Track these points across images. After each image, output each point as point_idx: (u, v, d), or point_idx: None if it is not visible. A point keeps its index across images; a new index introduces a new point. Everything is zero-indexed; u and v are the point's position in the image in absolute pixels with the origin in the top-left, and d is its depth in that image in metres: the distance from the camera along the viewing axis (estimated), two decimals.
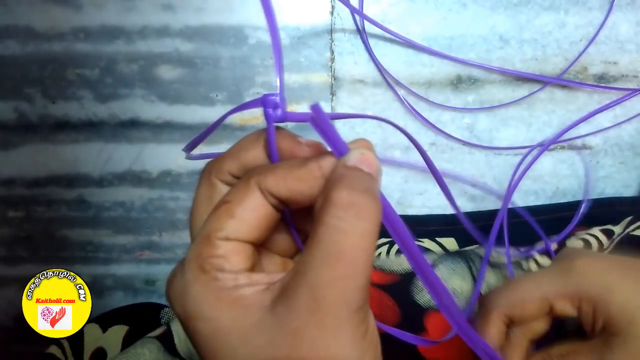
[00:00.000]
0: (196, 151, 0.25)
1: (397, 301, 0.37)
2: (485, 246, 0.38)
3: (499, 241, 0.41)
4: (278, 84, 0.20)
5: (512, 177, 0.46)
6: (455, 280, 0.37)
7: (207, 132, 0.22)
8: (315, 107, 0.18)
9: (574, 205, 0.44)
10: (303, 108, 0.47)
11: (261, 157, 0.21)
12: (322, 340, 0.17)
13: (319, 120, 0.18)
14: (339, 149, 0.19)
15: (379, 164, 0.19)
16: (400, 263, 0.39)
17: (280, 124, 0.21)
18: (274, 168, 0.20)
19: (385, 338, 0.34)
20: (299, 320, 0.17)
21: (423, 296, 0.37)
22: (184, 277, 0.19)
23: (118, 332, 0.40)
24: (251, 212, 0.19)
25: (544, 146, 0.47)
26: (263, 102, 0.20)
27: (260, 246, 0.21)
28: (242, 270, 0.19)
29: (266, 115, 0.20)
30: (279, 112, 0.20)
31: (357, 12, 0.46)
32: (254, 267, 0.20)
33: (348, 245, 0.17)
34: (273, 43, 0.19)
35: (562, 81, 0.47)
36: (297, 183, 0.19)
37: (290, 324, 0.17)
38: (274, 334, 0.18)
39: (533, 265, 0.39)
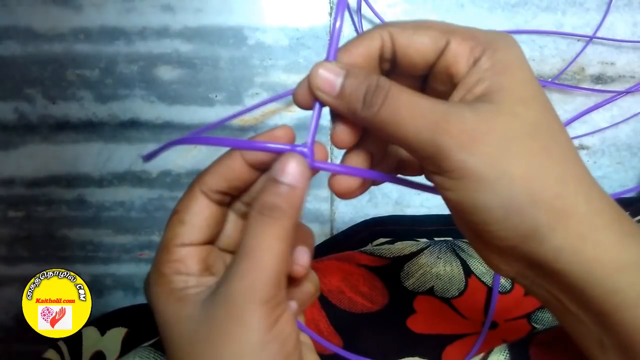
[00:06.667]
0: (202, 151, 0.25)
1: (386, 284, 0.37)
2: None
3: None
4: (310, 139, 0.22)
5: None
6: (440, 265, 0.38)
7: (171, 143, 0.24)
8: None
9: None
10: None
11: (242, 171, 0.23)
12: (228, 326, 0.20)
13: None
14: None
15: (302, 170, 0.21)
16: (389, 249, 0.40)
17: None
18: (208, 168, 0.23)
19: (374, 316, 0.35)
20: (215, 309, 0.21)
21: (412, 283, 0.38)
22: (150, 279, 0.23)
23: (117, 334, 0.40)
24: (198, 216, 0.23)
25: None
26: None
27: (231, 252, 0.25)
28: (195, 273, 0.22)
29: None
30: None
31: (356, 13, 0.46)
32: (210, 268, 0.23)
33: (256, 245, 0.20)
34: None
35: (555, 84, 0.47)
36: (228, 171, 0.23)
37: (209, 313, 0.21)
38: (199, 323, 0.21)
39: None
